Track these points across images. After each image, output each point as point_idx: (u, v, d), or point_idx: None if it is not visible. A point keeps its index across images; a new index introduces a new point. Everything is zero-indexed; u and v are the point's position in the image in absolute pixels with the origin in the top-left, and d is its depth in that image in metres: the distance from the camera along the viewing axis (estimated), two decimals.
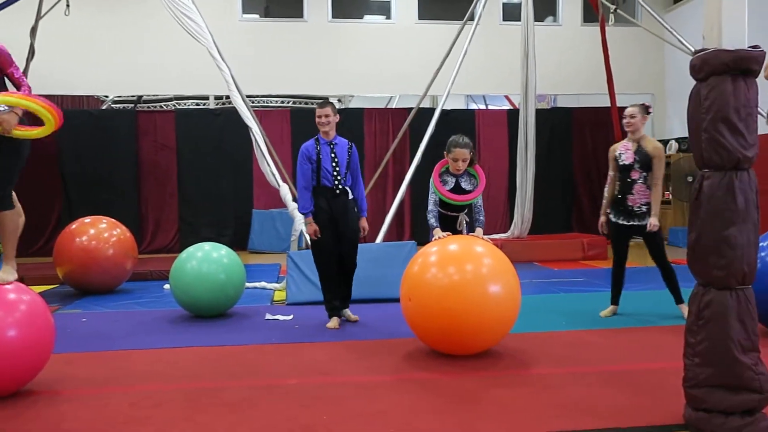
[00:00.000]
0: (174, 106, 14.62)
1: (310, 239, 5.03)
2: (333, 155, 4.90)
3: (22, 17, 8.41)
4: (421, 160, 7.57)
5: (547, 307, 5.54)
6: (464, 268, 3.86)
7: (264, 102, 14.78)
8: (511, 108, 13.48)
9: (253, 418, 3.00)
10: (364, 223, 5.10)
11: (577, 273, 7.74)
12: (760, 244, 4.11)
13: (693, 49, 4.02)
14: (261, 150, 7.13)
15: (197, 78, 10.83)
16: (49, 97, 4.06)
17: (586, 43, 11.64)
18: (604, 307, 5.22)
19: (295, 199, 6.15)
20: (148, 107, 14.18)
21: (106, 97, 13.49)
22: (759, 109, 2.85)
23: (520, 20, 9.53)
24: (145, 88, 12.06)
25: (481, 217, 4.63)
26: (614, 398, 3.19)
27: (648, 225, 4.85)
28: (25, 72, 7.77)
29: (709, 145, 2.62)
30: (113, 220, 6.91)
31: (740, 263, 2.62)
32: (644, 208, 4.92)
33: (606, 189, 5.16)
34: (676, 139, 11.75)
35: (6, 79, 3.73)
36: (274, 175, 7.07)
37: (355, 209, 5.06)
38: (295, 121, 11.40)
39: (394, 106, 13.64)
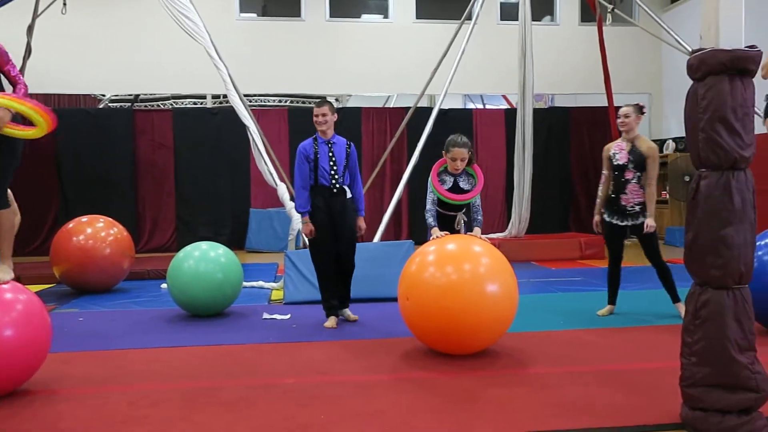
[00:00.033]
0: (171, 105, 14.60)
1: (308, 238, 5.03)
2: (331, 154, 4.90)
3: (19, 15, 8.38)
4: (419, 160, 7.57)
5: (545, 307, 5.55)
6: (462, 268, 3.86)
7: (261, 101, 14.76)
8: (509, 107, 13.48)
9: (250, 418, 3.00)
10: (361, 222, 5.10)
11: (575, 272, 7.75)
12: (757, 244, 4.12)
13: (690, 49, 4.03)
14: (258, 149, 7.11)
15: (194, 77, 10.82)
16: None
17: (584, 43, 11.66)
18: (601, 307, 5.23)
19: (292, 199, 6.15)
20: (145, 106, 14.16)
21: (103, 95, 13.46)
22: (756, 108, 2.85)
23: (517, 20, 9.54)
24: (142, 87, 12.05)
25: (479, 217, 4.64)
26: (611, 397, 3.20)
27: (645, 226, 4.86)
28: (22, 71, 7.73)
29: (706, 144, 2.63)
30: (110, 219, 6.90)
31: (737, 263, 2.63)
32: (637, 208, 4.94)
33: (600, 188, 5.17)
34: (674, 139, 11.77)
35: (2, 76, 3.72)
36: (271, 174, 7.07)
37: (353, 208, 5.06)
38: (293, 120, 11.40)
39: (391, 106, 13.63)
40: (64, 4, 8.55)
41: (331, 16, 11.84)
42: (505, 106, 14.45)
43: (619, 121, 5.01)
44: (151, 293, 6.64)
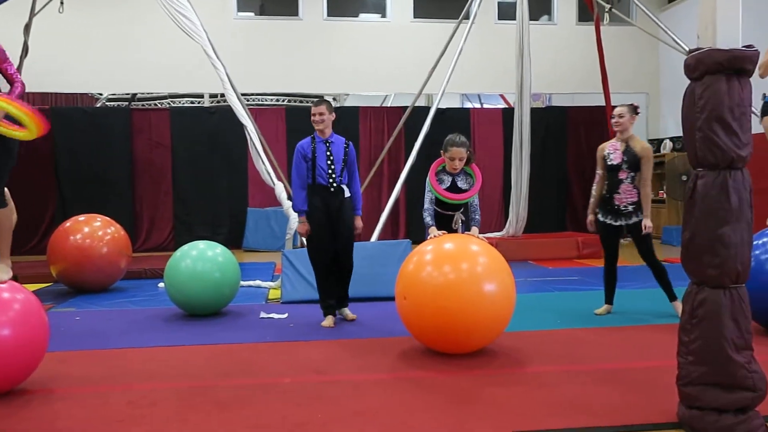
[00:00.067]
0: (169, 104, 14.60)
1: (306, 237, 5.03)
2: (328, 153, 4.90)
3: (16, 14, 8.36)
4: (416, 159, 7.57)
5: (542, 306, 5.56)
6: (459, 267, 3.86)
7: (259, 100, 14.77)
8: (506, 107, 13.51)
9: (247, 417, 3.00)
10: (358, 221, 5.09)
11: (572, 271, 7.76)
12: (754, 243, 4.13)
13: (687, 49, 4.04)
14: (256, 148, 7.11)
15: (192, 76, 10.81)
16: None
17: (581, 42, 11.67)
18: (598, 306, 5.24)
19: (290, 198, 6.14)
20: (143, 105, 14.16)
21: (101, 94, 13.46)
22: (753, 108, 2.86)
23: (515, 19, 9.56)
24: (139, 86, 12.03)
25: (477, 216, 4.64)
26: (608, 396, 3.20)
27: (642, 227, 4.87)
28: (19, 69, 7.72)
29: (703, 144, 2.63)
30: (107, 218, 6.89)
31: (734, 262, 2.63)
32: (630, 208, 4.95)
33: (594, 188, 5.19)
34: (671, 138, 11.79)
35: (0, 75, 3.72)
36: (269, 173, 7.06)
37: (351, 207, 5.05)
38: (290, 119, 11.40)
39: (389, 105, 13.64)
40: (62, 3, 8.53)
41: (328, 15, 11.84)
42: (502, 105, 14.47)
43: (613, 121, 5.04)
44: (148, 292, 6.63)
